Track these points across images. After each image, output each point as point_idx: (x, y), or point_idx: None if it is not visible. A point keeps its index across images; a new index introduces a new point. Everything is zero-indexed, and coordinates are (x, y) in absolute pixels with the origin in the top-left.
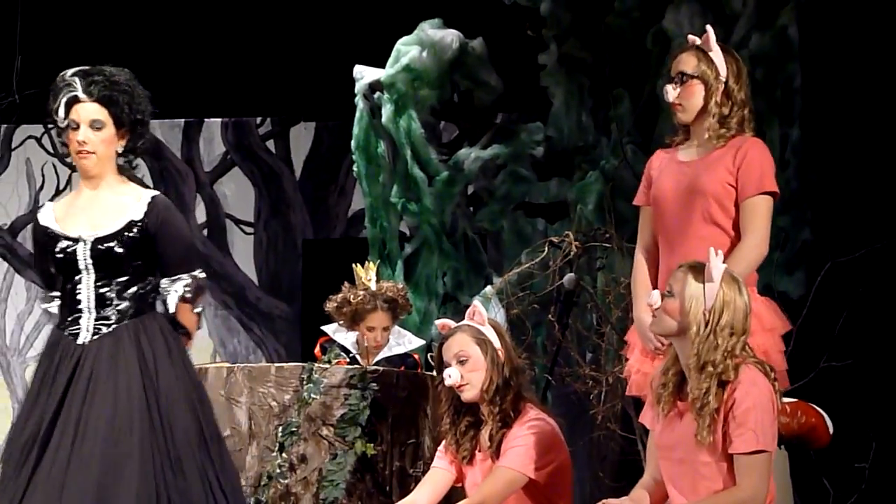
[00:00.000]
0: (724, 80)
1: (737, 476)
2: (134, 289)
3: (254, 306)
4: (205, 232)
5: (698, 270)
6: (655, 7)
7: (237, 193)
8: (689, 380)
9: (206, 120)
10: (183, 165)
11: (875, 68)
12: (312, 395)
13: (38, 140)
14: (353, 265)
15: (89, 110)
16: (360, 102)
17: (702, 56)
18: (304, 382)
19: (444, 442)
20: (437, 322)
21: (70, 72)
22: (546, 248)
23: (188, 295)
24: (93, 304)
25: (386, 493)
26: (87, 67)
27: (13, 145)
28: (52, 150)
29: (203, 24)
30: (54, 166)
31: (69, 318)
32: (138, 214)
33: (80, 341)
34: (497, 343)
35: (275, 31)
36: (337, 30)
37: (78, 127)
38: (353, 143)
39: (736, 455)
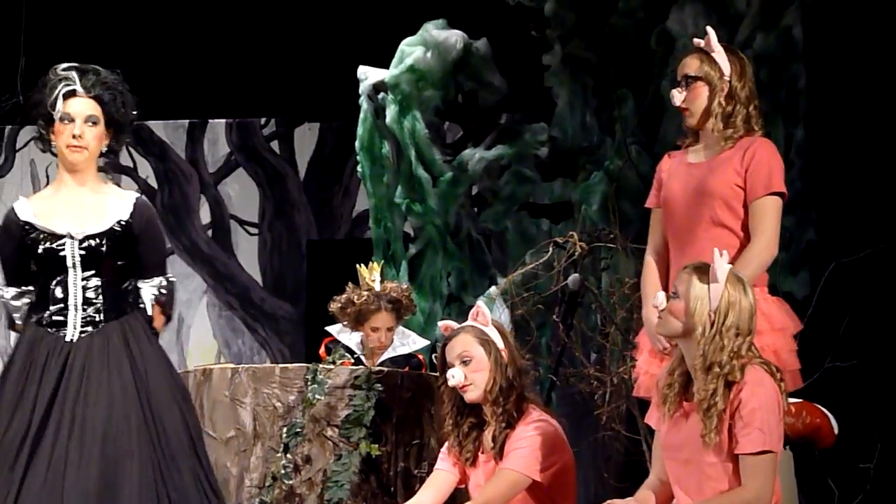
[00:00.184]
0: (728, 79)
1: (742, 476)
2: (117, 288)
3: (258, 307)
4: (209, 233)
5: (703, 271)
6: (659, 7)
7: (241, 194)
8: (695, 381)
9: (210, 121)
10: (187, 166)
11: (879, 69)
12: (317, 396)
13: None
14: (358, 266)
15: (85, 105)
16: (364, 103)
17: (704, 57)
18: (309, 383)
19: (446, 443)
20: (440, 324)
21: (63, 66)
22: (550, 249)
23: (162, 298)
24: (79, 301)
25: (390, 493)
26: (79, 64)
27: (17, 146)
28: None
29: (207, 25)
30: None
31: (51, 315)
32: (125, 214)
33: (67, 338)
34: (500, 343)
35: (279, 32)
36: (341, 30)
37: (72, 120)
38: (357, 143)
39: (742, 455)
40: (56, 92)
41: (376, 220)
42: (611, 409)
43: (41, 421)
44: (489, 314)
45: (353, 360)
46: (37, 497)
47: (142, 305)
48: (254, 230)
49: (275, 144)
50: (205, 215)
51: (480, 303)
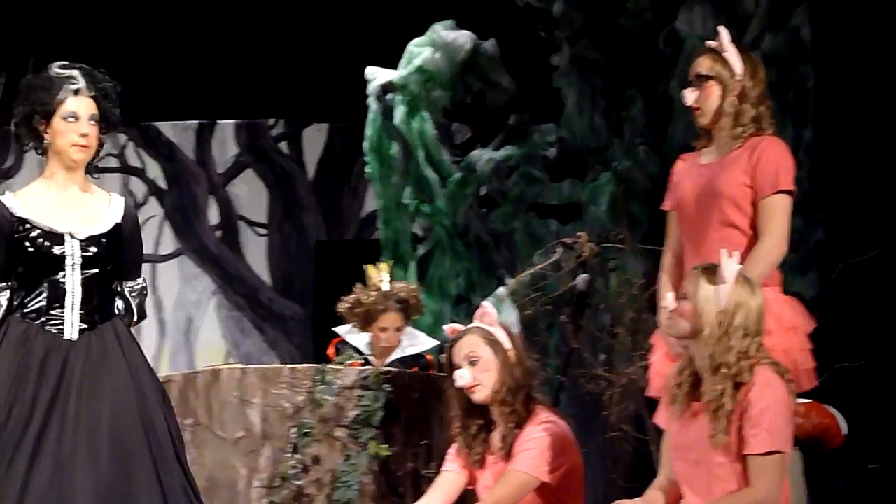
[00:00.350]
0: (739, 78)
1: (751, 477)
2: (108, 289)
3: (267, 308)
4: (218, 233)
5: (711, 272)
6: (668, 8)
7: (250, 195)
8: (703, 381)
9: (218, 122)
10: (196, 167)
11: (888, 69)
12: (326, 397)
13: None
14: (366, 266)
15: (89, 105)
16: (372, 104)
17: (716, 57)
18: (318, 384)
19: (454, 445)
20: (446, 327)
21: (61, 64)
22: (559, 250)
23: (142, 299)
24: (78, 301)
25: (399, 494)
26: (75, 63)
27: (26, 147)
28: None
29: (216, 26)
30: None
31: (47, 312)
32: (118, 217)
33: (66, 336)
34: (507, 344)
35: (287, 32)
36: (349, 31)
37: (78, 119)
38: (365, 144)
39: (750, 456)
40: (63, 90)
41: (385, 220)
42: (619, 409)
43: (43, 418)
44: (495, 314)
45: (361, 361)
46: (45, 494)
47: (119, 308)
48: (262, 231)
49: (283, 145)
50: (213, 216)
51: (486, 303)
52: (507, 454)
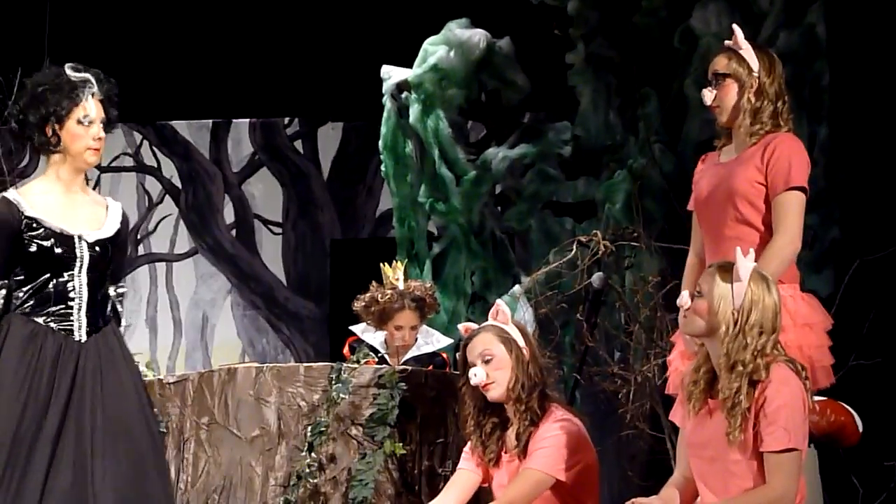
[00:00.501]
0: (756, 75)
1: (767, 474)
2: (106, 292)
3: (282, 306)
4: (233, 232)
5: (726, 270)
6: (683, 6)
7: (265, 194)
8: (719, 379)
9: (234, 121)
10: (211, 166)
11: None
12: (341, 395)
13: None
14: (381, 264)
15: (100, 108)
16: (387, 102)
17: (733, 55)
18: (333, 382)
19: (469, 443)
20: (460, 326)
21: (74, 66)
22: (574, 248)
23: (121, 304)
24: (85, 302)
25: (415, 492)
26: (85, 66)
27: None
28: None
29: (231, 25)
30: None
31: (56, 313)
32: (119, 221)
33: (76, 338)
34: (521, 342)
35: (302, 31)
36: (364, 30)
37: (91, 123)
38: (380, 143)
39: (767, 453)
40: (82, 94)
41: (400, 219)
42: (635, 407)
43: (60, 419)
44: (509, 312)
45: (377, 359)
46: (66, 495)
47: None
48: (277, 230)
49: (298, 144)
50: (229, 215)
51: (500, 301)
52: (522, 452)
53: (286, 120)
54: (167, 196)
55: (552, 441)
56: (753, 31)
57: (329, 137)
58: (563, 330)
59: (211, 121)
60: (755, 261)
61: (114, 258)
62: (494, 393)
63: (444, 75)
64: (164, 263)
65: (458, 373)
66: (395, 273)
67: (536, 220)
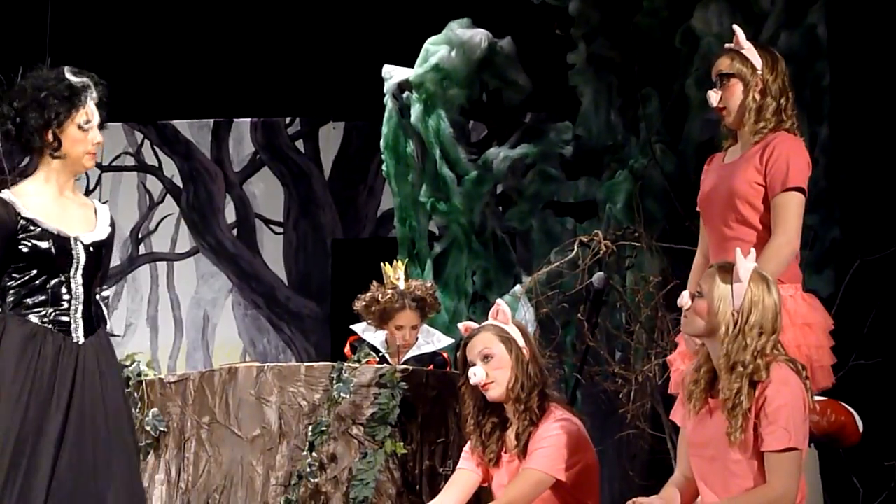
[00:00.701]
0: (760, 73)
1: (767, 474)
2: (96, 295)
3: (283, 306)
4: (234, 232)
5: (727, 271)
6: (684, 6)
7: (266, 193)
8: (720, 379)
9: (235, 120)
10: (212, 165)
11: None
12: (342, 395)
13: None
14: (382, 264)
15: (98, 112)
16: (389, 102)
17: (736, 55)
18: (334, 382)
19: (469, 443)
20: (460, 325)
21: (74, 70)
22: (575, 247)
23: (106, 308)
24: (81, 305)
25: (416, 492)
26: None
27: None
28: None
29: (232, 24)
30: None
31: (53, 314)
32: (108, 224)
33: (74, 339)
34: (521, 341)
35: (304, 31)
36: (366, 30)
37: (91, 128)
38: (382, 142)
39: (767, 453)
40: (86, 98)
41: (401, 218)
42: (635, 407)
43: (62, 420)
44: (509, 312)
45: (378, 359)
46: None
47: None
48: (279, 229)
49: (300, 143)
50: (230, 214)
51: (501, 301)
52: (522, 452)
53: (287, 119)
54: (168, 195)
55: (552, 441)
56: (754, 32)
57: (330, 137)
58: (564, 330)
59: (212, 120)
60: (755, 261)
61: (104, 260)
62: (494, 392)
63: (445, 75)
64: (165, 263)
65: (458, 372)
66: (396, 273)
67: (538, 220)
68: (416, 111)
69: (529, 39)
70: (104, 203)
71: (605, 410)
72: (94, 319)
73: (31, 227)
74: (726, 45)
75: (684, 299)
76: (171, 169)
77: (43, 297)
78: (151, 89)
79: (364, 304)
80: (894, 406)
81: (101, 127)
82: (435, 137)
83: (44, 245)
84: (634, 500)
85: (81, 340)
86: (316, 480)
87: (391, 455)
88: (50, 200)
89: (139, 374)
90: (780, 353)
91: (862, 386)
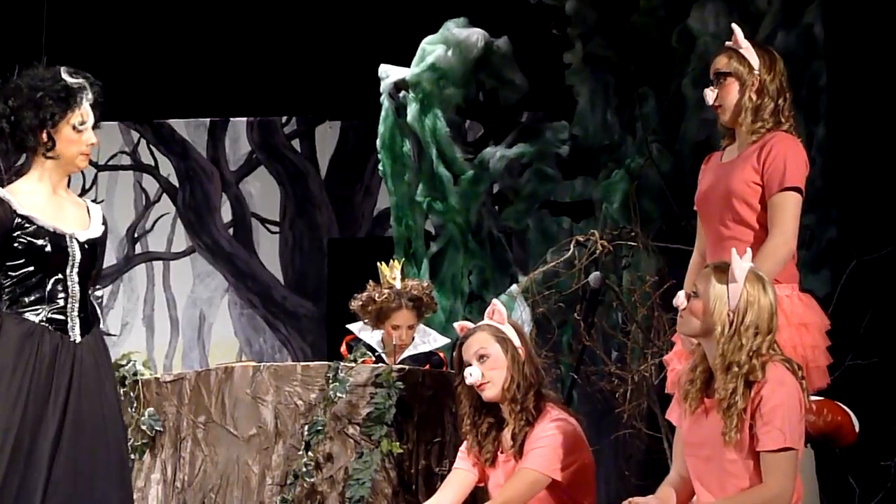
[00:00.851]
0: (757, 73)
1: (763, 474)
2: (90, 294)
3: (280, 305)
4: (230, 231)
5: (722, 271)
6: (680, 5)
7: (263, 192)
8: (715, 379)
9: (231, 119)
10: (208, 164)
11: None
12: (338, 394)
13: None
14: (379, 264)
15: (92, 113)
16: (385, 101)
17: (733, 54)
18: (330, 381)
19: (465, 443)
20: (456, 325)
21: (70, 71)
22: (571, 247)
23: (99, 307)
24: (77, 303)
25: (412, 491)
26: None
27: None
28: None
29: (229, 24)
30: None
31: (50, 313)
32: (101, 223)
33: (71, 338)
34: (517, 341)
35: (300, 30)
36: (362, 29)
37: (85, 129)
38: (378, 142)
39: (763, 453)
40: (82, 98)
41: (397, 218)
42: (632, 406)
43: (60, 419)
44: (505, 312)
45: (374, 359)
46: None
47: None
48: (275, 228)
49: (296, 143)
50: (226, 214)
51: (497, 301)
52: (518, 452)
53: (284, 119)
54: (164, 195)
55: (548, 441)
56: (751, 31)
57: (327, 136)
58: (560, 329)
59: (208, 119)
60: (752, 261)
61: (98, 259)
62: (489, 392)
63: (441, 74)
64: (161, 262)
65: (454, 372)
66: (392, 272)
67: (534, 220)
68: (412, 110)
69: (526, 39)
70: (100, 202)
71: (602, 410)
72: (91, 318)
73: (27, 225)
74: (725, 44)
75: (680, 299)
76: (167, 168)
77: (39, 295)
78: (147, 88)
79: (360, 303)
80: (891, 406)
81: (95, 127)
82: (431, 137)
83: (40, 242)
84: (630, 499)
85: (78, 339)
86: (312, 480)
87: (387, 454)
88: (44, 199)
89: (135, 374)
90: (775, 353)
91: (858, 386)
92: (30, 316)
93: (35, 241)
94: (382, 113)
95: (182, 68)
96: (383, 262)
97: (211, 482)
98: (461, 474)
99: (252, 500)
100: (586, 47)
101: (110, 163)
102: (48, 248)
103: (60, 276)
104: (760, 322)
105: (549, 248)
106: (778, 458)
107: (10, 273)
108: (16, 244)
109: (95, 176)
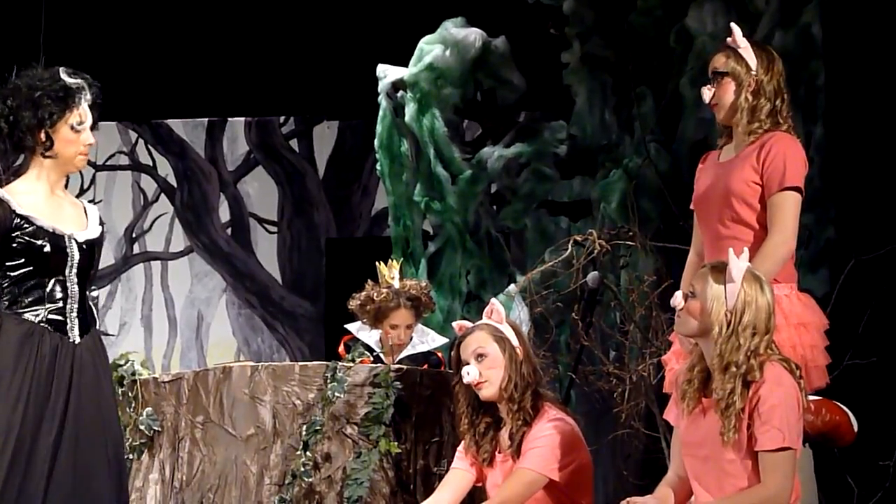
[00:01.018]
0: (755, 73)
1: (762, 474)
2: (89, 294)
3: (277, 305)
4: (228, 231)
5: (720, 270)
6: (678, 5)
7: (261, 192)
8: (713, 379)
9: (229, 119)
10: (206, 164)
11: None
12: (336, 394)
13: None
14: (377, 263)
15: (91, 114)
16: (383, 101)
17: (731, 53)
18: (328, 381)
19: (463, 443)
20: (455, 324)
21: (69, 71)
22: (569, 247)
23: (95, 308)
24: (76, 304)
25: (410, 491)
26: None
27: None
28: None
29: (226, 24)
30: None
31: (49, 314)
32: (99, 224)
33: (70, 339)
34: (515, 341)
35: (298, 30)
36: (360, 29)
37: (83, 129)
38: (376, 141)
39: (761, 452)
40: (81, 99)
41: (395, 218)
42: (630, 406)
43: (60, 420)
44: (504, 311)
45: (372, 358)
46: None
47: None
48: (273, 228)
49: (294, 143)
50: (224, 213)
51: (495, 300)
52: (516, 452)
53: (282, 118)
54: (162, 195)
55: (545, 441)
56: (749, 31)
57: (325, 136)
58: (558, 329)
59: (206, 119)
60: (750, 260)
61: (96, 259)
62: (487, 392)
63: (439, 74)
64: (159, 262)
65: (452, 372)
66: (390, 272)
67: (532, 220)
68: (410, 110)
69: (524, 38)
70: (98, 202)
71: (600, 410)
72: (89, 319)
73: (26, 225)
74: (724, 42)
75: (677, 299)
76: (165, 168)
77: (38, 296)
78: (145, 88)
79: (359, 302)
80: (889, 405)
81: (94, 128)
82: (429, 136)
83: (39, 242)
84: (629, 499)
85: (77, 340)
86: (310, 480)
87: (385, 454)
88: (43, 199)
89: (133, 374)
90: (773, 353)
91: (857, 385)
92: (29, 316)
93: (34, 241)
94: (380, 113)
95: (180, 68)
96: (382, 262)
97: (209, 482)
98: (459, 474)
99: (250, 499)
100: (584, 47)
101: (108, 163)
102: (47, 249)
103: (59, 276)
104: (758, 322)
105: (547, 247)
106: (776, 457)
107: (8, 273)
108: (15, 244)
109: (94, 176)
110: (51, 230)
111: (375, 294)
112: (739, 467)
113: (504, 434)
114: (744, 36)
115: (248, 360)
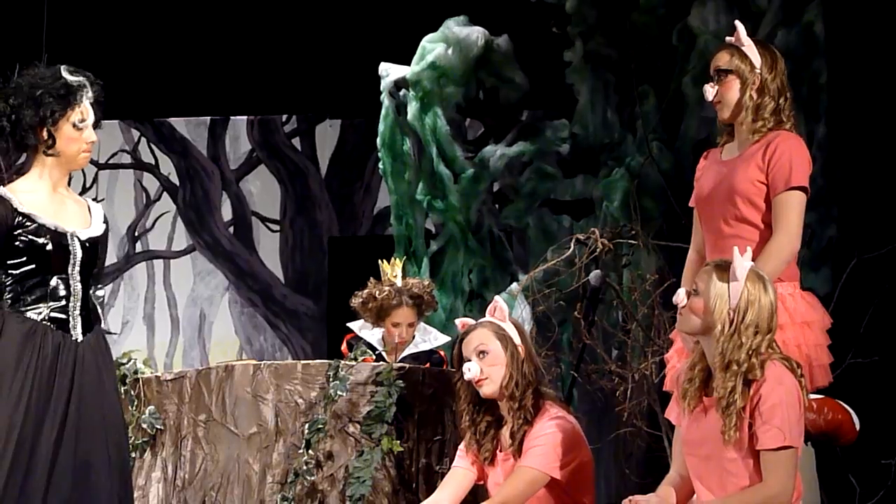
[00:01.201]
0: (759, 72)
1: (763, 472)
2: (92, 293)
3: (280, 304)
4: (231, 230)
5: (723, 269)
6: (681, 4)
7: (263, 191)
8: (714, 378)
9: (231, 118)
10: (209, 163)
11: None
12: (339, 393)
13: None
14: (380, 261)
15: (92, 111)
16: (385, 100)
17: (735, 51)
18: (331, 379)
19: (464, 441)
20: (457, 321)
21: (71, 69)
22: (572, 245)
23: (100, 307)
24: (79, 301)
25: (412, 489)
26: (75, 68)
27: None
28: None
29: (229, 22)
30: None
31: (51, 312)
32: (103, 221)
33: (73, 336)
34: (517, 339)
35: (300, 28)
36: (362, 27)
37: (85, 126)
38: (378, 140)
39: (762, 452)
40: (81, 97)
41: (398, 216)
42: (632, 405)
43: (62, 417)
44: (506, 309)
45: (374, 357)
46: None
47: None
48: (275, 227)
49: (296, 141)
50: (226, 212)
51: (498, 298)
52: (518, 451)
53: (284, 117)
54: (165, 193)
55: (547, 439)
56: (751, 30)
57: (327, 135)
58: (560, 328)
59: (209, 118)
60: (754, 259)
61: (99, 257)
62: (487, 389)
63: (442, 73)
64: (161, 261)
65: (455, 370)
66: (393, 270)
67: (534, 218)
68: (412, 109)
69: (526, 37)
70: (100, 201)
71: (602, 408)
72: (91, 317)
73: (28, 223)
74: (727, 39)
75: (680, 297)
76: (167, 167)
77: (41, 294)
78: (148, 87)
79: (361, 300)
80: (891, 404)
81: (96, 126)
82: (431, 135)
83: (41, 240)
84: (631, 498)
85: (80, 338)
86: (312, 478)
87: (388, 453)
88: (45, 197)
89: (136, 372)
90: (774, 352)
91: (859, 384)
92: (31, 314)
93: (36, 239)
94: (383, 111)
95: (182, 67)
96: (384, 261)
97: (212, 480)
98: (460, 472)
99: (252, 498)
100: (586, 45)
101: (111, 161)
102: (49, 247)
103: (62, 274)
104: (760, 321)
105: (550, 246)
106: (778, 456)
107: (11, 271)
108: (17, 242)
109: (96, 174)
110: (53, 228)
111: (378, 292)
112: (741, 466)
113: (505, 433)
114: (747, 34)
115: (250, 359)
